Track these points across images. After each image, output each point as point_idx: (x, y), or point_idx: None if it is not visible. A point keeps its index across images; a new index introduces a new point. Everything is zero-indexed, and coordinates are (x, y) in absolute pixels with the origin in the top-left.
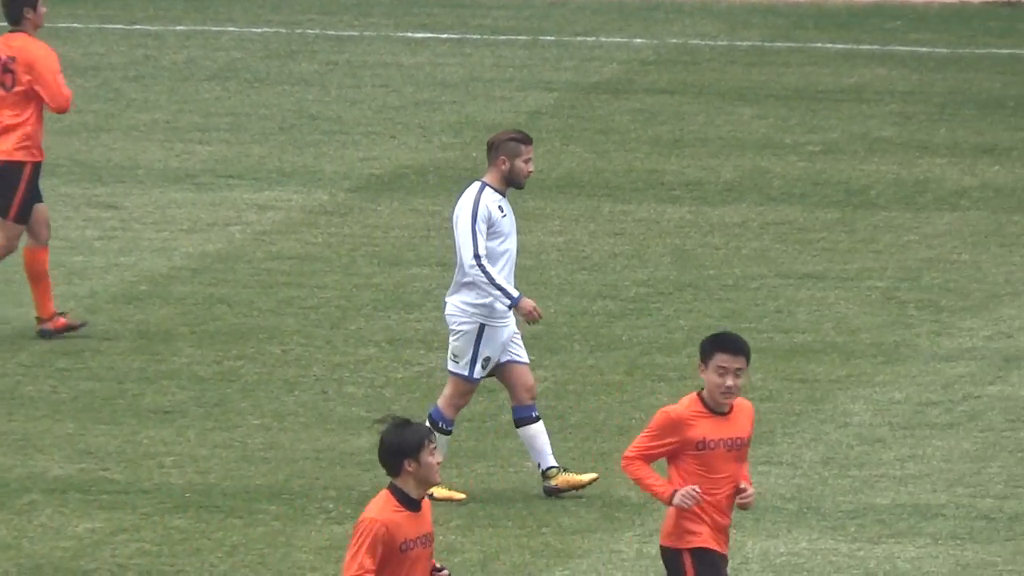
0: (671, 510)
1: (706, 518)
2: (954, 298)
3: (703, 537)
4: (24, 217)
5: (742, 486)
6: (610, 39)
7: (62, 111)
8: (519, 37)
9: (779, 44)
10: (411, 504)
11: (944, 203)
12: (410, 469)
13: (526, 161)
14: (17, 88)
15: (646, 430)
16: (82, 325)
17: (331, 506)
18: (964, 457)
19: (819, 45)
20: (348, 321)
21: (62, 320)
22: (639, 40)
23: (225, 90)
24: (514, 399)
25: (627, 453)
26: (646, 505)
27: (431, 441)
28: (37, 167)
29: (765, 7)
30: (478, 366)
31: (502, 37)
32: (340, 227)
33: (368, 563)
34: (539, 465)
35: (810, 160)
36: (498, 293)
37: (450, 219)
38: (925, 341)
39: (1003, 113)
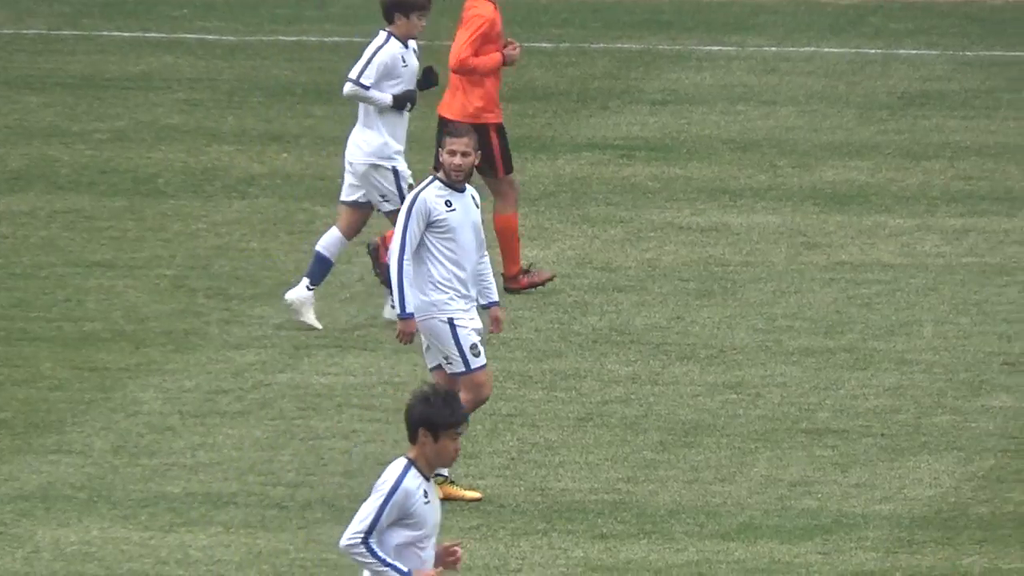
0: None
1: None
2: (244, 286)
3: None
4: (510, 169)
5: None
6: None
7: (452, 67)
8: None
9: (65, 32)
10: None
11: (233, 191)
12: None
13: (450, 153)
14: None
15: None
16: (550, 278)
17: None
18: (255, 445)
19: (106, 33)
20: None
21: (524, 280)
22: None
23: None
24: None
25: None
26: None
27: None
28: (500, 128)
29: None
30: (469, 356)
31: None
32: None
33: None
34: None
35: (98, 148)
36: (397, 299)
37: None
38: (215, 329)
39: (291, 100)
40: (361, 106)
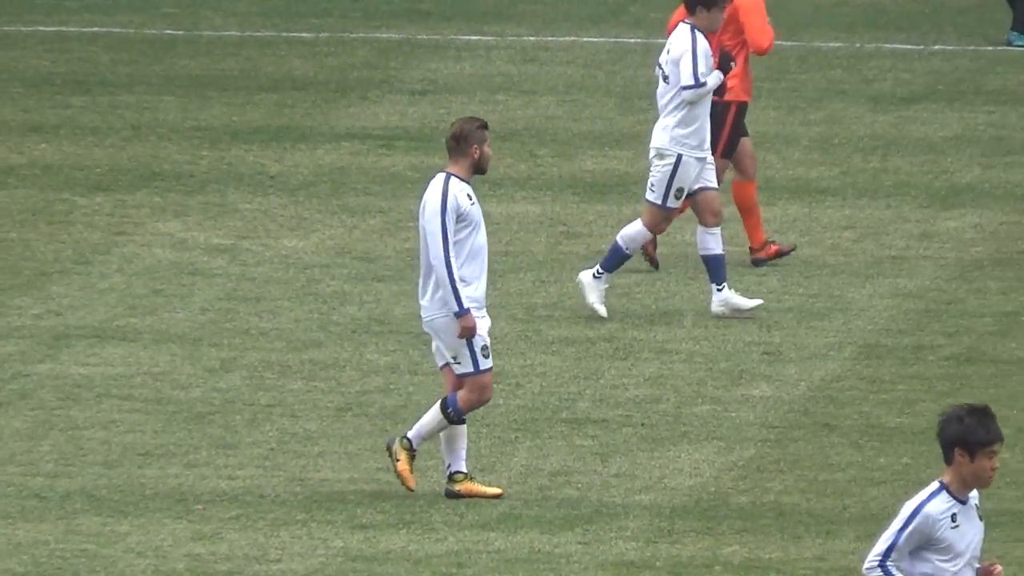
0: None
1: None
2: (3, 276)
3: None
4: (729, 153)
5: None
6: None
7: (761, 52)
8: None
9: None
10: None
11: None
12: None
13: (488, 146)
14: (724, 34)
15: None
16: (792, 249)
17: None
18: (15, 435)
19: None
20: None
21: (773, 248)
22: None
23: None
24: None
25: None
26: None
27: None
28: (742, 107)
29: None
30: (480, 357)
31: None
32: None
33: None
34: (448, 466)
35: None
36: (451, 297)
37: (416, 214)
38: None
39: (50, 91)
40: (662, 93)
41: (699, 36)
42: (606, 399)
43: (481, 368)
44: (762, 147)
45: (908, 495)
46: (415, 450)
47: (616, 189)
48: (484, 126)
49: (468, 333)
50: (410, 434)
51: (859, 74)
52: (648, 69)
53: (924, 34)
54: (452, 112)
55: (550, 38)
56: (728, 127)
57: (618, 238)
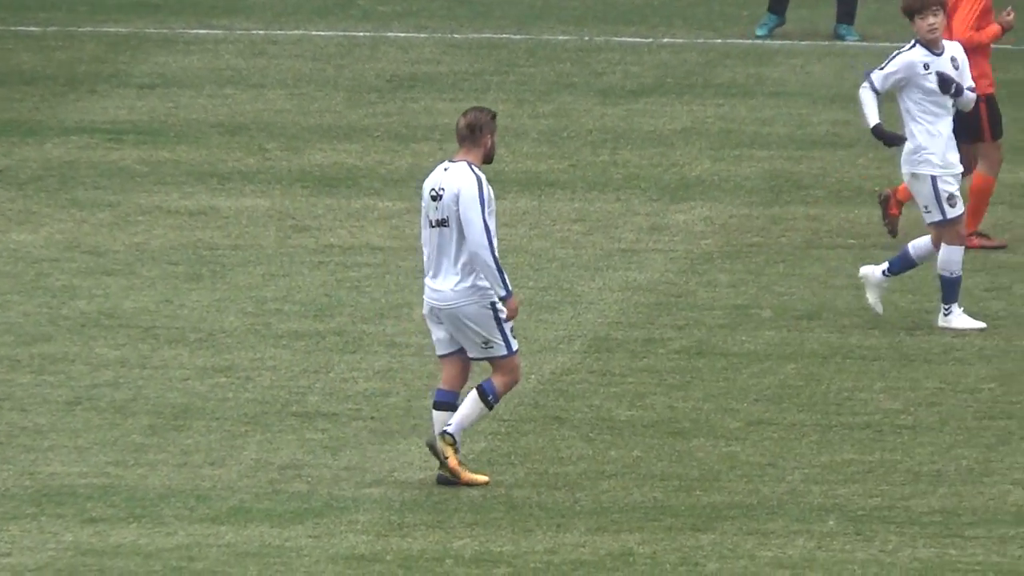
0: None
1: None
2: None
3: None
4: (998, 135)
5: None
6: None
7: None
8: None
9: None
10: None
11: None
12: None
13: (496, 136)
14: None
15: None
16: (1002, 246)
17: None
18: None
19: None
20: None
21: (975, 241)
22: None
23: None
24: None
25: None
26: None
27: None
28: (990, 98)
29: None
30: (511, 339)
31: None
32: None
33: None
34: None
35: None
36: (497, 281)
37: (437, 199)
38: None
39: None
40: (901, 111)
41: (915, 50)
42: (336, 392)
43: (514, 349)
44: None
45: (640, 488)
46: (458, 444)
47: (345, 182)
48: (494, 116)
49: (515, 314)
50: (451, 429)
51: (588, 67)
52: (377, 62)
53: (653, 27)
54: (180, 106)
55: (279, 32)
56: (984, 119)
57: (909, 246)
